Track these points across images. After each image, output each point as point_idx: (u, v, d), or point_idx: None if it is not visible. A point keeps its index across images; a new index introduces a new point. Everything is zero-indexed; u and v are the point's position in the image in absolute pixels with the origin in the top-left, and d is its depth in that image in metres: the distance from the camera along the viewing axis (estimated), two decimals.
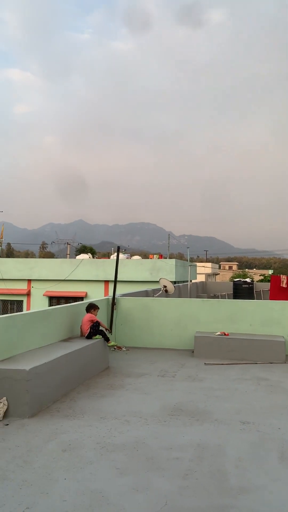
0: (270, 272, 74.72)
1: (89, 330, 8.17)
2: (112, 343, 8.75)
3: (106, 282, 24.83)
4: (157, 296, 13.86)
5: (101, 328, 8.34)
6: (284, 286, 18.25)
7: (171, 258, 29.66)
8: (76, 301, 11.94)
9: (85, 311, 8.61)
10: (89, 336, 8.15)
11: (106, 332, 8.45)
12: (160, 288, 15.38)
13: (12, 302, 26.50)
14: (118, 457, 4.34)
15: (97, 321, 8.33)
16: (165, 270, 24.22)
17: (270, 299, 18.61)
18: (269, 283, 20.09)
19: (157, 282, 17.05)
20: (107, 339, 8.37)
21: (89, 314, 8.48)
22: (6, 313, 9.92)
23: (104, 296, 17.27)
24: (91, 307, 8.65)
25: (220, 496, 3.62)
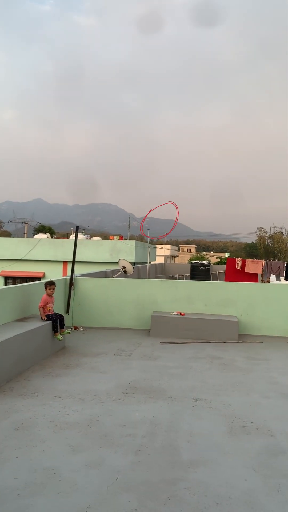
0: (227, 254, 76.53)
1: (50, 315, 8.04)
2: (58, 336, 7.97)
3: (65, 262, 24.54)
4: (116, 277, 13.85)
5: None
6: (239, 268, 18.71)
7: (131, 240, 29.64)
8: (33, 281, 11.72)
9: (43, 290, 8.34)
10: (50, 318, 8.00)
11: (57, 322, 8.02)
12: (119, 269, 15.37)
13: None
14: (71, 434, 4.35)
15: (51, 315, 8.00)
16: (125, 252, 24.21)
17: (226, 280, 19.05)
18: (225, 265, 20.54)
19: (117, 263, 17.02)
20: (55, 330, 7.93)
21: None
22: None
23: (62, 276, 17.06)
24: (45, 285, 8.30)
25: (171, 470, 3.71)
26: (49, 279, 8.94)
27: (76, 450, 4.02)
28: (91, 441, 4.23)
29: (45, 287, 8.26)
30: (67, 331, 8.34)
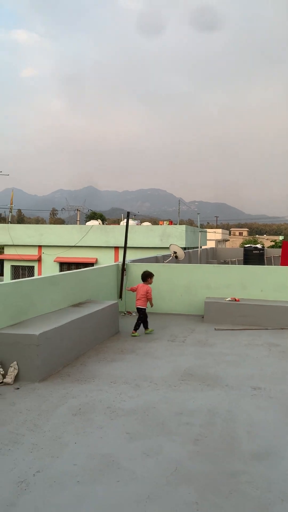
0: (281, 238, 74.04)
1: (142, 309, 8.22)
2: (149, 330, 8.32)
3: (116, 248, 24.75)
4: (167, 262, 13.75)
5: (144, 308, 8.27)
6: None
7: (181, 225, 29.37)
8: (86, 267, 11.88)
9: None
10: (142, 313, 8.20)
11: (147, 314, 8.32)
12: (170, 254, 15.25)
13: (23, 267, 26.66)
14: (128, 421, 4.32)
15: (143, 310, 8.24)
16: (175, 237, 24.01)
17: (281, 265, 18.40)
18: (280, 249, 19.82)
19: (167, 248, 16.91)
20: (145, 326, 8.29)
21: (143, 285, 8.36)
22: (17, 279, 9.90)
23: (114, 262, 17.20)
24: (147, 276, 8.45)
25: (232, 462, 3.59)
26: (146, 270, 8.76)
27: (133, 438, 3.98)
28: (148, 428, 4.18)
29: (150, 277, 8.43)
30: (150, 329, 8.38)
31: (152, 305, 8.53)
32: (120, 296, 10.54)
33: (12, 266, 26.69)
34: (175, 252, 15.22)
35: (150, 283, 8.51)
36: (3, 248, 27.98)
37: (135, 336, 8.08)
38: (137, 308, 8.31)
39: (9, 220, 38.40)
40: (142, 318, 8.25)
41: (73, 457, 3.62)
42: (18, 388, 5.22)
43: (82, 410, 4.59)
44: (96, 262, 24.80)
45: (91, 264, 24.20)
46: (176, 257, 15.18)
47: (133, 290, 8.51)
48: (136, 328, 8.22)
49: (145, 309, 8.29)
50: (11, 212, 43.19)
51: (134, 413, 4.52)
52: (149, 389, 5.25)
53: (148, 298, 8.31)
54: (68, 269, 24.32)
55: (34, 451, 3.71)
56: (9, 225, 27.94)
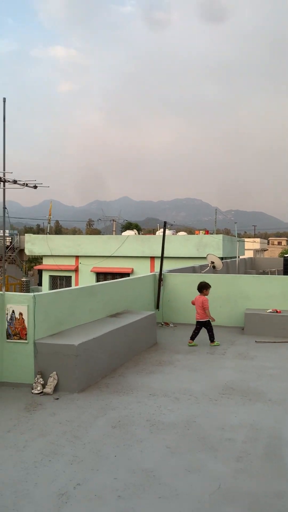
0: None
1: (203, 322, 8.14)
2: (216, 343, 8.12)
3: (152, 258, 24.72)
4: (205, 272, 13.57)
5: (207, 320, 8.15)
6: None
7: (217, 234, 29.04)
8: (123, 277, 11.89)
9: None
10: (205, 326, 8.13)
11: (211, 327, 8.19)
12: (208, 264, 15.06)
13: (61, 277, 27.09)
14: (169, 435, 4.23)
15: (205, 322, 8.13)
16: (212, 246, 23.73)
17: None
18: None
19: (204, 258, 16.72)
20: (211, 339, 8.14)
21: (199, 297, 8.24)
22: (55, 289, 10.04)
23: (150, 272, 17.18)
24: (203, 287, 8.29)
25: (278, 481, 3.43)
26: (202, 281, 8.57)
27: (175, 453, 3.89)
28: (189, 443, 4.08)
29: (206, 288, 8.27)
30: (216, 342, 8.19)
31: (210, 318, 8.12)
32: (158, 307, 10.48)
33: (50, 276, 27.18)
34: (212, 262, 15.01)
35: (206, 294, 8.28)
36: (42, 259, 28.57)
37: (193, 346, 8.03)
38: (198, 322, 8.17)
39: (48, 231, 39.28)
40: (209, 329, 8.11)
41: (113, 471, 3.56)
42: (57, 399, 5.23)
43: (122, 423, 4.54)
44: (132, 272, 24.86)
45: (127, 274, 24.28)
46: (214, 267, 14.97)
47: (193, 303, 8.36)
48: (192, 337, 8.13)
49: (207, 321, 8.11)
50: (49, 223, 44.18)
51: (175, 427, 4.43)
52: (189, 403, 5.14)
53: (203, 309, 8.11)
54: (104, 279, 24.52)
55: (74, 463, 3.68)
56: (48, 236, 28.54)
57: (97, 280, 25.56)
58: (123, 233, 31.48)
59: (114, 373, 6.31)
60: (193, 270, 13.96)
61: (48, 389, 5.39)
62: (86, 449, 3.94)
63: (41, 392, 5.38)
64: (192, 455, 3.84)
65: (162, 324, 10.18)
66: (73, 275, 26.71)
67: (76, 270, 26.61)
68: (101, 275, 25.96)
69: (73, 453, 3.86)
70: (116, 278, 9.41)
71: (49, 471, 3.54)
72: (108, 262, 25.74)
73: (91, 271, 25.99)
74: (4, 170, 5.75)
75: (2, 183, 5.81)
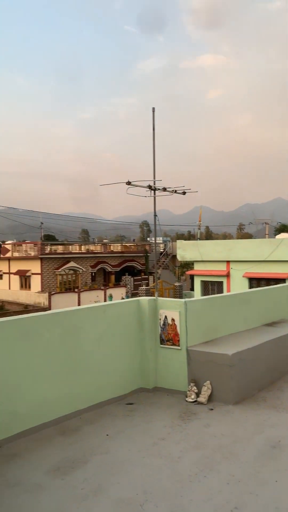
0: None
1: None
2: None
3: None
4: None
5: None
6: None
7: None
8: (278, 283, 11.19)
9: None
10: None
11: None
12: None
13: (212, 283, 27.02)
14: None
15: None
16: None
17: None
18: None
19: None
20: None
21: None
22: (207, 294, 9.94)
23: None
24: None
25: None
26: None
27: None
28: None
29: None
30: None
31: None
32: None
33: (201, 281, 27.34)
34: None
35: None
36: (193, 264, 28.97)
37: None
38: None
39: (198, 236, 39.76)
40: None
41: (275, 498, 3.22)
42: (212, 409, 5.06)
43: (282, 443, 4.13)
44: None
45: (283, 280, 22.91)
46: None
47: None
48: None
49: None
50: (199, 229, 44.76)
51: None
52: None
53: None
54: (258, 285, 23.60)
55: (231, 483, 3.45)
56: (198, 241, 28.82)
57: (250, 286, 24.74)
58: (277, 236, 29.95)
59: (272, 387, 5.86)
60: None
61: (202, 398, 5.26)
62: (243, 469, 3.66)
63: (195, 401, 5.27)
64: None
65: None
66: (224, 280, 26.38)
67: (227, 276, 26.24)
68: (254, 281, 25.07)
69: (229, 471, 3.62)
70: (271, 284, 8.86)
71: (204, 488, 3.38)
72: (261, 267, 24.73)
73: (243, 276, 25.31)
74: (154, 178, 5.86)
75: (152, 191, 5.92)
